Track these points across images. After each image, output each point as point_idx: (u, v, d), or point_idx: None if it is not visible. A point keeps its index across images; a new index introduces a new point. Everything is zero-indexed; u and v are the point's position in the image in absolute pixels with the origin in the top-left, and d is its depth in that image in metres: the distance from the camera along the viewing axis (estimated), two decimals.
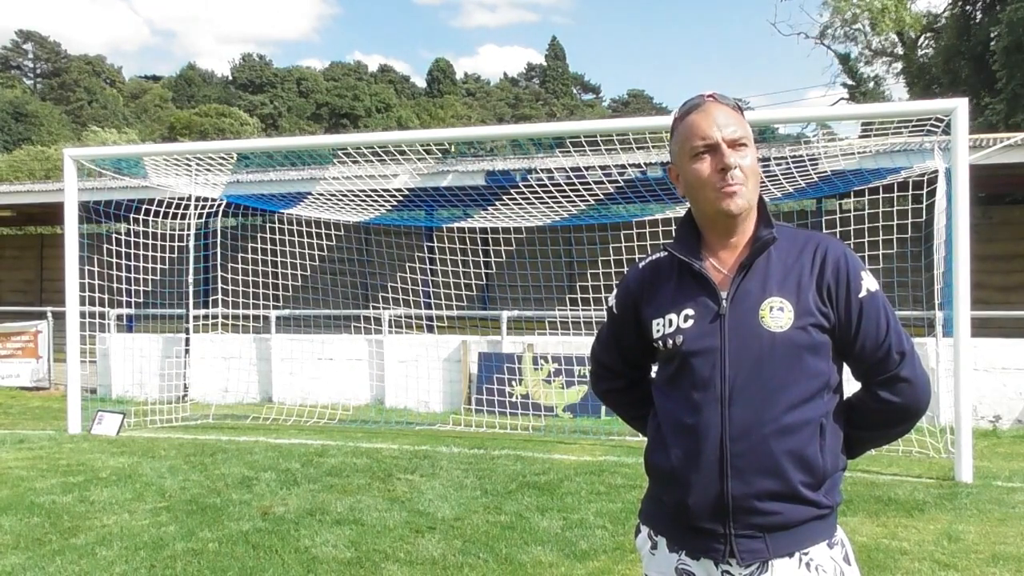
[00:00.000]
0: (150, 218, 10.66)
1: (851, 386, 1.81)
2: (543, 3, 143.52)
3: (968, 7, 23.18)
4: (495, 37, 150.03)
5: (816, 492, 1.68)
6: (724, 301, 1.71)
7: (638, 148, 8.72)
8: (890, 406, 1.76)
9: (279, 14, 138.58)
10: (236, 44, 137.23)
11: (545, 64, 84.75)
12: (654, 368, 1.93)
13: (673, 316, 1.75)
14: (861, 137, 9.52)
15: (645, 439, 1.90)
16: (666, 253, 1.83)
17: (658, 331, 1.77)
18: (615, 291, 1.93)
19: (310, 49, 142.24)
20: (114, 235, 11.30)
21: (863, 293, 1.73)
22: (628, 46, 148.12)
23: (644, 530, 1.85)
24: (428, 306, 12.85)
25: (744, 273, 1.72)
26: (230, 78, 79.13)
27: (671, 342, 1.74)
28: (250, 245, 12.61)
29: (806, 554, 1.69)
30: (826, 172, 8.99)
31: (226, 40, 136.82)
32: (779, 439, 1.65)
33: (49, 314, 13.22)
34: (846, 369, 1.80)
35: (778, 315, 1.68)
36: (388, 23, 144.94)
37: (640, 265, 1.88)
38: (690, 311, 1.73)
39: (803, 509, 1.68)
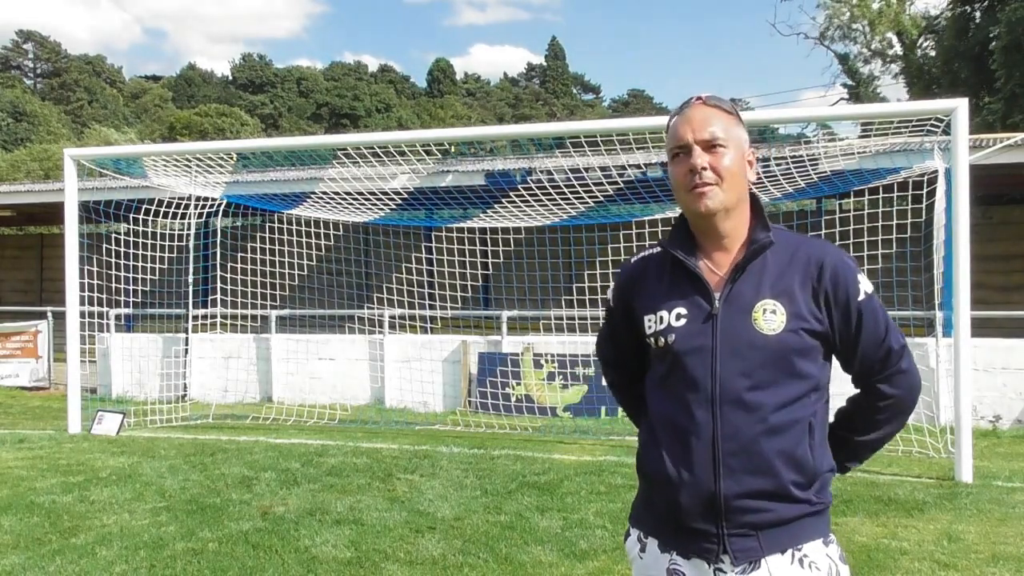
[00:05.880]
0: (150, 218, 10.67)
1: (840, 388, 1.84)
2: (534, 1, 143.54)
3: (967, 7, 23.16)
4: (485, 36, 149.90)
5: (807, 491, 1.70)
6: (717, 301, 1.72)
7: (638, 148, 8.72)
8: (892, 399, 1.80)
9: (268, 13, 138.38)
10: (227, 43, 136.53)
11: (545, 64, 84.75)
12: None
13: (664, 313, 1.76)
14: (861, 137, 9.53)
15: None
16: (658, 250, 1.85)
17: (650, 327, 1.78)
18: (612, 285, 1.96)
19: (301, 48, 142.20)
20: (114, 235, 11.30)
21: (862, 296, 1.75)
22: (622, 45, 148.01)
23: (634, 533, 1.86)
24: (428, 306, 12.86)
25: (739, 275, 1.74)
26: (230, 78, 79.12)
27: (662, 340, 1.75)
28: (250, 245, 12.61)
29: (799, 550, 1.70)
30: (826, 172, 8.99)
31: (217, 39, 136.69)
32: (770, 439, 1.67)
33: (49, 314, 13.22)
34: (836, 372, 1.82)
35: (771, 318, 1.70)
36: (378, 22, 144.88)
37: (632, 260, 1.91)
38: (682, 309, 1.75)
39: (795, 507, 1.69)
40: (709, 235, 1.78)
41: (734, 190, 1.74)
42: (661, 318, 1.76)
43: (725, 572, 1.69)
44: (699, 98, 1.79)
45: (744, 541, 1.68)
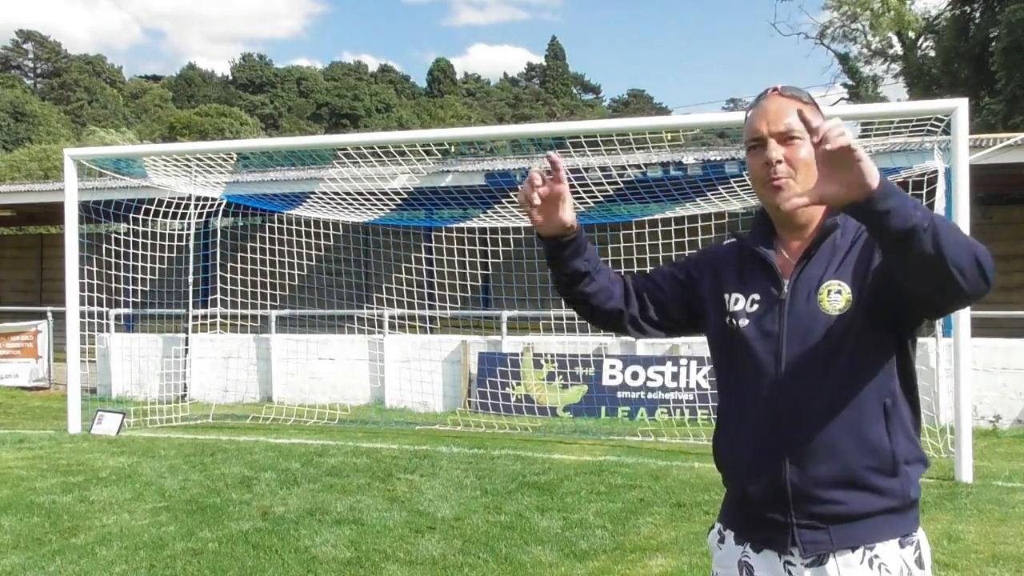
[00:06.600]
0: (150, 218, 10.67)
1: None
2: (533, 1, 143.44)
3: (967, 8, 23.17)
4: (485, 36, 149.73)
5: (884, 480, 1.64)
6: (785, 288, 1.73)
7: (638, 148, 8.72)
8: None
9: (268, 13, 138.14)
10: (227, 43, 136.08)
11: (545, 64, 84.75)
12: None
13: (741, 297, 1.79)
14: (861, 137, 9.50)
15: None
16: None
17: (729, 306, 1.80)
18: (693, 253, 1.98)
19: (301, 48, 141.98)
20: (114, 235, 11.30)
21: None
22: (622, 45, 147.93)
23: (717, 525, 1.86)
24: (428, 306, 12.85)
25: (807, 260, 1.73)
26: (230, 78, 79.12)
27: (735, 322, 1.77)
28: (250, 245, 12.61)
29: (871, 549, 1.64)
30: None
31: (217, 39, 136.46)
32: (837, 421, 1.64)
33: (49, 314, 13.22)
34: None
35: (836, 298, 1.68)
36: (378, 22, 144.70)
37: (724, 242, 1.93)
38: (757, 296, 1.77)
39: (869, 499, 1.64)
40: (787, 225, 1.78)
41: (811, 181, 1.68)
42: (737, 300, 1.79)
43: (794, 564, 1.67)
44: (775, 89, 1.77)
45: (813, 533, 1.65)
